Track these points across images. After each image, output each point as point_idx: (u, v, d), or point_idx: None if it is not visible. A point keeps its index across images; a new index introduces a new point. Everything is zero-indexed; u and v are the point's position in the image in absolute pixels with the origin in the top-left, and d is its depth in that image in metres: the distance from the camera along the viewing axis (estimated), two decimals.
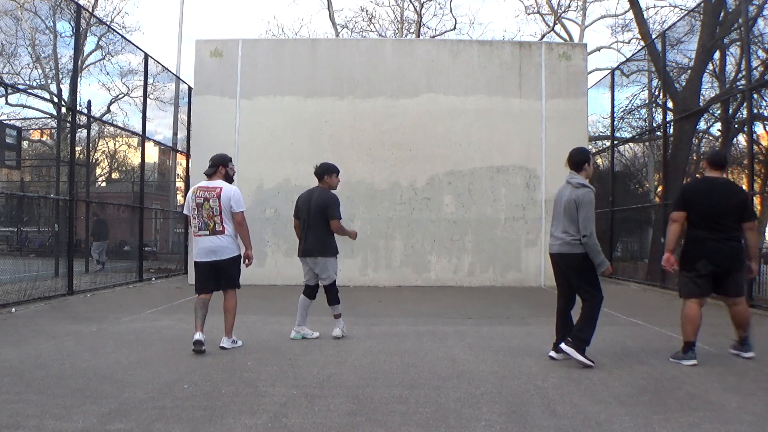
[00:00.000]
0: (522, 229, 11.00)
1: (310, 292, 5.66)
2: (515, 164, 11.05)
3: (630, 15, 17.19)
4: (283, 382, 3.96)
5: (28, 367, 4.23)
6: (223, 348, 5.02)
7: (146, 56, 11.85)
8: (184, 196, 15.04)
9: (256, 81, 11.09)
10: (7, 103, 18.98)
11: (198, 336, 4.79)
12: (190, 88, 13.18)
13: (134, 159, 26.84)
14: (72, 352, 4.80)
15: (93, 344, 5.11)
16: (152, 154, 28.27)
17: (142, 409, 3.32)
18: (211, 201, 4.94)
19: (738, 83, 11.54)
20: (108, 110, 22.40)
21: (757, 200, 10.56)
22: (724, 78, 12.44)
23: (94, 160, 23.76)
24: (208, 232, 4.97)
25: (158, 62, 12.76)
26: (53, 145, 20.75)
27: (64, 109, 15.42)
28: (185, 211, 5.28)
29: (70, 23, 19.94)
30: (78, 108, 10.76)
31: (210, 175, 5.11)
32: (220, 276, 5.08)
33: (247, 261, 5.22)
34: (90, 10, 19.48)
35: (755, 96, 10.08)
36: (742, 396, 3.66)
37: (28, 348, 4.91)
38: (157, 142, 15.77)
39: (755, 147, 11.36)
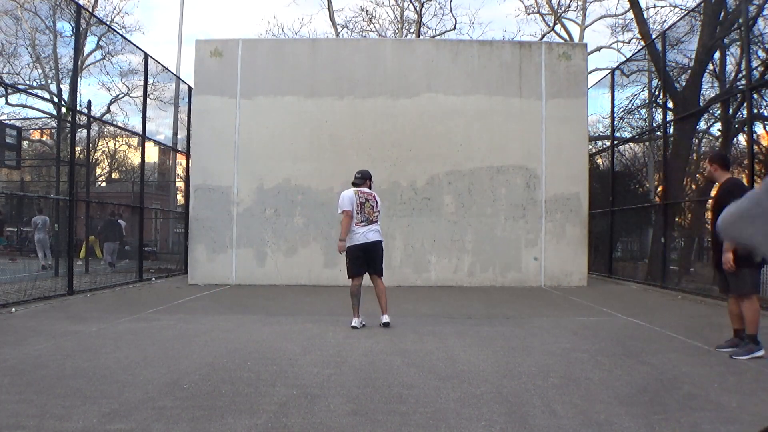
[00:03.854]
0: (522, 229, 11.00)
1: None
2: (515, 164, 11.05)
3: (630, 15, 17.21)
4: (283, 382, 3.96)
5: (28, 367, 4.23)
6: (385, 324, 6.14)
7: (146, 56, 11.84)
8: (185, 196, 15.07)
9: (256, 81, 11.09)
10: (7, 103, 19.01)
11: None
12: (190, 88, 13.17)
13: (134, 159, 26.87)
14: (72, 352, 4.79)
15: (93, 344, 5.11)
16: (152, 154, 28.27)
17: (142, 409, 3.32)
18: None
19: (738, 83, 11.53)
20: (108, 110, 22.43)
21: None
22: (724, 78, 12.43)
23: (94, 160, 23.77)
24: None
25: (158, 62, 12.75)
26: (53, 145, 20.75)
27: (64, 109, 15.42)
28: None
29: (70, 23, 19.96)
30: (78, 108, 10.76)
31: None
32: None
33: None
34: (90, 10, 19.49)
35: (755, 96, 10.06)
36: (742, 396, 3.66)
37: (28, 348, 4.91)
38: (157, 142, 15.76)
39: (755, 147, 11.34)
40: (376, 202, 6.33)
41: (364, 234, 6.16)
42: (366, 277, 6.27)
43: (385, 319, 6.21)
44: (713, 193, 5.24)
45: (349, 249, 6.19)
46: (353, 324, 6.12)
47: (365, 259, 6.22)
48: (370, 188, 6.42)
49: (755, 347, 4.73)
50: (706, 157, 13.63)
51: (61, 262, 11.05)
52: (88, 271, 12.58)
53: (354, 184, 6.37)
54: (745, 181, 9.18)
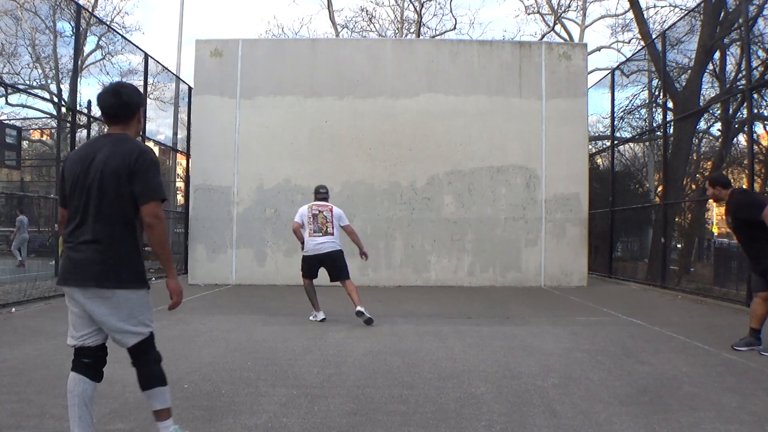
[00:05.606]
0: (522, 229, 10.99)
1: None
2: (515, 164, 11.04)
3: (630, 15, 17.22)
4: (283, 382, 3.96)
5: (28, 367, 4.23)
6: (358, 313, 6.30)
7: (146, 56, 11.85)
8: (185, 196, 15.07)
9: (256, 81, 11.09)
10: (7, 103, 19.01)
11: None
12: (190, 88, 13.17)
13: None
14: (72, 352, 4.78)
15: None
16: None
17: (142, 409, 3.32)
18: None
19: (738, 83, 11.53)
20: None
21: None
22: (724, 78, 12.42)
23: None
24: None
25: (158, 62, 12.76)
26: (53, 145, 20.75)
27: (64, 109, 15.43)
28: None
29: (70, 23, 19.94)
30: (78, 108, 10.76)
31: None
32: None
33: None
34: (90, 10, 19.49)
35: (755, 96, 10.06)
36: (742, 396, 3.66)
37: (28, 348, 4.91)
38: (157, 142, 15.74)
39: (755, 147, 11.33)
40: (332, 214, 6.63)
41: (319, 245, 6.54)
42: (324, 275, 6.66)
43: (359, 308, 6.34)
44: (723, 209, 5.43)
45: (304, 257, 6.67)
46: (319, 317, 6.56)
47: (320, 267, 6.61)
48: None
49: None
50: (708, 159, 13.66)
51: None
52: None
53: (320, 199, 6.78)
54: (745, 181, 9.18)
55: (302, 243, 6.68)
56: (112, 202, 2.47)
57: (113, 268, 2.46)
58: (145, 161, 2.50)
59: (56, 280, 2.56)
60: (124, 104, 2.59)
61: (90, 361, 2.59)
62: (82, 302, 2.49)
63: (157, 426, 2.69)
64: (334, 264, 6.56)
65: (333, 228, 6.60)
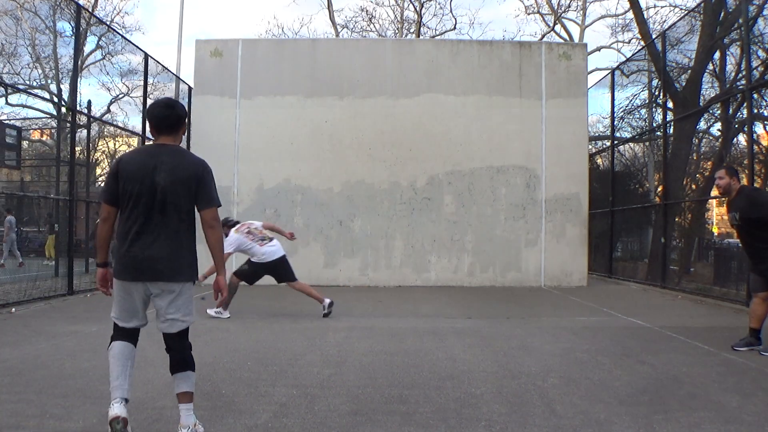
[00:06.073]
0: (522, 229, 10.99)
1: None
2: (515, 164, 11.05)
3: (630, 15, 17.25)
4: (283, 382, 3.96)
5: (28, 367, 4.23)
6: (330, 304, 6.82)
7: (146, 56, 11.84)
8: None
9: (256, 81, 11.09)
10: (7, 103, 19.02)
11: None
12: (190, 88, 13.17)
13: None
14: (72, 352, 4.79)
15: (93, 344, 5.11)
16: None
17: (142, 409, 3.32)
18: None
19: (738, 83, 11.53)
20: (108, 110, 22.46)
21: None
22: (724, 78, 12.43)
23: (94, 160, 23.76)
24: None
25: (158, 62, 12.75)
26: (53, 145, 20.75)
27: (64, 109, 15.42)
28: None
29: (70, 23, 19.98)
30: (78, 108, 10.76)
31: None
32: None
33: None
34: (90, 10, 19.48)
35: (755, 96, 10.06)
36: (742, 396, 3.66)
37: (28, 348, 4.91)
38: None
39: (755, 147, 11.34)
40: (256, 225, 7.02)
41: (273, 252, 6.80)
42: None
43: (328, 300, 6.81)
44: (724, 208, 5.34)
45: (261, 264, 6.80)
46: (225, 315, 6.53)
47: (266, 274, 6.87)
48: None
49: None
50: (708, 159, 13.66)
51: (61, 261, 11.05)
52: (88, 271, 12.58)
53: (234, 226, 6.95)
54: (745, 181, 9.18)
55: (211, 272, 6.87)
56: (179, 207, 2.83)
57: (180, 264, 2.83)
58: (208, 173, 2.96)
59: (118, 274, 2.82)
60: (178, 116, 2.94)
61: (132, 330, 2.94)
62: (146, 293, 2.84)
63: (179, 408, 2.87)
64: (285, 267, 6.92)
65: (266, 233, 6.96)
